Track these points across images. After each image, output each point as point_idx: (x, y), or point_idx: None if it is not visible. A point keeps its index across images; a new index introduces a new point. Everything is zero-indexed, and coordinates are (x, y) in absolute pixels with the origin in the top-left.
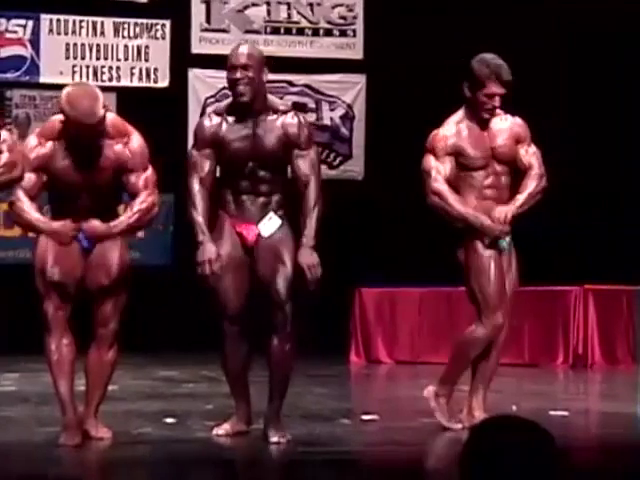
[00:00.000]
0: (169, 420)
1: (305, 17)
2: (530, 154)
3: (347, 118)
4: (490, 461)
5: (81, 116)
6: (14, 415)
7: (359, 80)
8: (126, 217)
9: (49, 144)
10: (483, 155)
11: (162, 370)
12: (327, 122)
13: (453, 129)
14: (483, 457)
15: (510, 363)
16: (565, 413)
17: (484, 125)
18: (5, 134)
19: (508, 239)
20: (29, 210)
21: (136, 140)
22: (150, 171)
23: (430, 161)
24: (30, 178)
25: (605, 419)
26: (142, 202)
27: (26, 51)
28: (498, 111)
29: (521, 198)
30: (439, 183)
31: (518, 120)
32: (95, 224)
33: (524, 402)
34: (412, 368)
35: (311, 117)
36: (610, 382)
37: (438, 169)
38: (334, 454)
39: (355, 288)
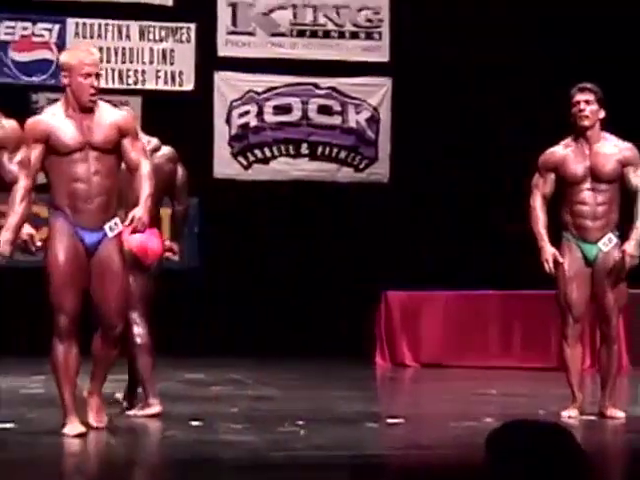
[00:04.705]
0: (195, 423)
1: (331, 20)
2: (638, 175)
3: (373, 121)
4: (513, 464)
5: (84, 49)
6: (42, 417)
7: (385, 83)
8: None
9: (48, 118)
10: (579, 172)
11: (189, 373)
12: (353, 125)
13: (558, 147)
14: (507, 460)
15: (537, 367)
16: (592, 418)
17: (587, 145)
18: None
19: (605, 248)
20: (19, 198)
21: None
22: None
23: (535, 176)
24: (34, 151)
25: (633, 423)
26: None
27: (52, 55)
28: (608, 136)
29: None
30: (532, 199)
31: (627, 144)
32: (140, 214)
33: (551, 406)
34: (437, 371)
35: (337, 120)
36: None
37: (538, 185)
38: (360, 458)
39: (380, 291)
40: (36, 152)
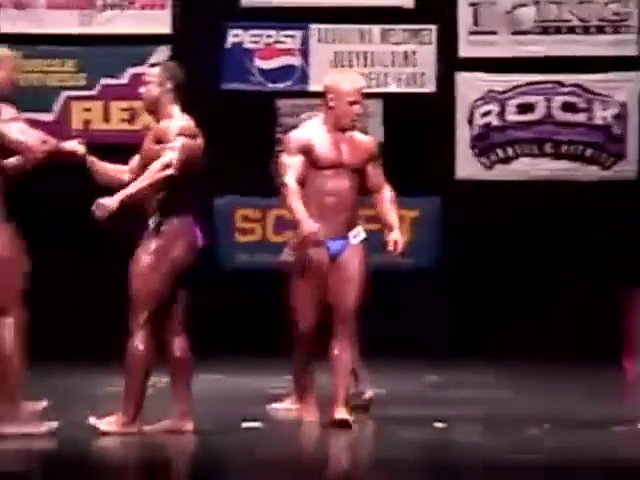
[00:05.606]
0: (438, 425)
1: (576, 15)
2: None
3: (620, 117)
4: None
5: (352, 76)
6: (288, 416)
7: (633, 78)
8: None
9: (310, 130)
10: None
11: (430, 374)
12: (599, 122)
13: None
14: None
15: None
16: None
17: None
18: (181, 141)
19: None
20: (296, 197)
21: None
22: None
23: None
24: (298, 160)
25: None
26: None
27: (296, 61)
28: None
29: None
30: None
31: None
32: (398, 238)
33: None
34: None
35: (582, 117)
36: None
37: None
38: (608, 462)
39: (628, 290)
40: (297, 162)
